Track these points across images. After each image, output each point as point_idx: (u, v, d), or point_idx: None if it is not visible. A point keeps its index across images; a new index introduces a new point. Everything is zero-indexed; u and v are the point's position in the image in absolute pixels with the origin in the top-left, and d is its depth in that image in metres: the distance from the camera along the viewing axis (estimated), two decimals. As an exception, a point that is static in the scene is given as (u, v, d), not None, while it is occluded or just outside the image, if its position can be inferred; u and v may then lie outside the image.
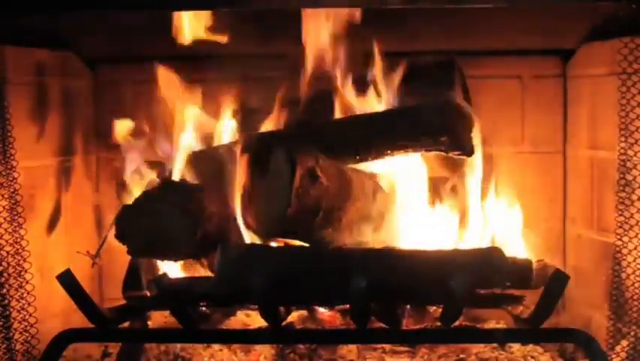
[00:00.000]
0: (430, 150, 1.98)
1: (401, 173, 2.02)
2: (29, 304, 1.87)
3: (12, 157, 1.84)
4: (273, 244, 1.90)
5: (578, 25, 2.12)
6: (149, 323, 2.06)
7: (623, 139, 1.81)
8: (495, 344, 1.99)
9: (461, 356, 1.98)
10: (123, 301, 1.95)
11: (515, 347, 1.99)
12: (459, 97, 1.99)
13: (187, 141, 2.09)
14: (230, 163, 1.92)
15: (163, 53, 2.08)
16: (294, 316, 2.04)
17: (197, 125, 2.11)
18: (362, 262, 1.76)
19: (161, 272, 1.87)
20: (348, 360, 1.96)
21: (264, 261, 1.77)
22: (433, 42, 2.17)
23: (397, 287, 1.75)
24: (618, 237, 1.83)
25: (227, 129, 2.13)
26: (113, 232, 1.87)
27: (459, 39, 2.14)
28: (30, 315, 1.87)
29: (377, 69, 2.05)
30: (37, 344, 1.86)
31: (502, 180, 2.15)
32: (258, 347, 1.97)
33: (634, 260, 1.81)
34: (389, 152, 1.97)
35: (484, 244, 2.04)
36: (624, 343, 1.83)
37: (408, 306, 1.97)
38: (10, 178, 1.84)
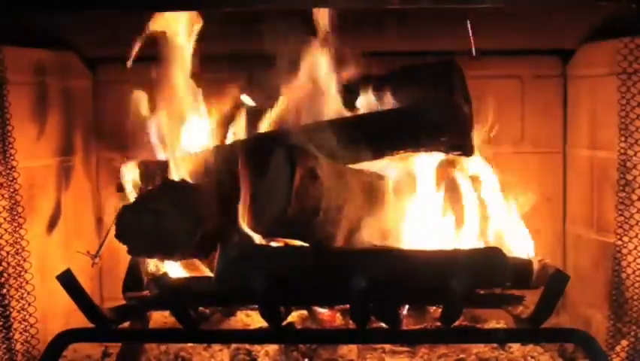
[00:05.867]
0: (430, 150, 1.98)
1: (401, 173, 2.02)
2: (29, 304, 1.87)
3: (12, 157, 1.84)
4: (273, 244, 1.90)
5: (578, 25, 2.12)
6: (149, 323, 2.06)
7: (623, 139, 1.81)
8: (495, 344, 1.99)
9: (461, 356, 1.98)
10: (123, 301, 1.95)
11: (515, 347, 1.99)
12: (459, 97, 1.99)
13: (187, 141, 2.10)
14: (231, 163, 1.92)
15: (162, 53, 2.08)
16: (294, 316, 2.04)
17: (196, 125, 2.12)
18: (362, 262, 1.76)
19: (161, 272, 1.87)
20: (348, 360, 1.96)
21: (264, 261, 1.77)
22: (433, 42, 2.17)
23: (397, 287, 1.75)
24: (618, 237, 1.83)
25: (227, 129, 2.13)
26: (113, 231, 1.86)
27: (459, 39, 2.14)
28: (30, 315, 1.87)
29: (377, 69, 2.05)
30: (37, 344, 1.87)
31: (502, 180, 2.15)
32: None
33: (634, 260, 1.81)
34: (389, 152, 1.97)
35: (483, 244, 2.04)
36: (624, 343, 1.83)
37: (408, 306, 1.97)
38: (10, 178, 1.84)
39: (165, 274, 1.78)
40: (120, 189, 2.04)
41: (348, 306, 1.81)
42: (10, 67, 1.85)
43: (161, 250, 1.85)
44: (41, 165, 2.08)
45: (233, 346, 1.99)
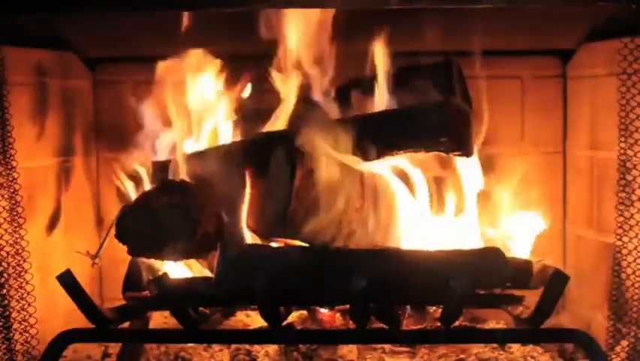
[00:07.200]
0: (430, 150, 1.97)
1: (401, 173, 2.02)
2: (29, 304, 1.87)
3: (12, 157, 1.84)
4: (273, 244, 1.90)
5: (578, 25, 2.12)
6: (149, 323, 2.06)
7: (623, 139, 1.81)
8: (495, 344, 1.99)
9: (461, 356, 1.98)
10: (123, 302, 1.95)
11: (515, 347, 1.99)
12: (459, 97, 1.99)
13: (187, 141, 2.10)
14: (231, 163, 1.92)
15: (163, 53, 2.08)
16: (294, 316, 2.04)
17: (197, 125, 2.12)
18: (362, 262, 1.76)
19: (161, 272, 1.87)
20: (348, 360, 1.96)
21: (264, 261, 1.76)
22: (433, 42, 2.17)
23: (397, 287, 1.75)
24: (618, 237, 1.83)
25: (227, 129, 2.13)
26: (113, 232, 1.86)
27: (459, 39, 2.14)
28: (30, 315, 1.87)
29: (377, 69, 2.05)
30: (38, 344, 1.86)
31: (502, 180, 2.15)
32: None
33: (634, 260, 1.81)
34: (389, 152, 1.97)
35: (483, 244, 2.04)
36: (624, 343, 1.83)
37: (408, 306, 1.97)
38: (10, 178, 1.84)
39: (165, 275, 1.78)
40: (120, 189, 2.04)
41: (348, 306, 1.81)
42: (10, 67, 1.85)
43: (161, 250, 1.85)
44: (41, 165, 2.08)
45: (233, 346, 1.99)
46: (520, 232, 2.03)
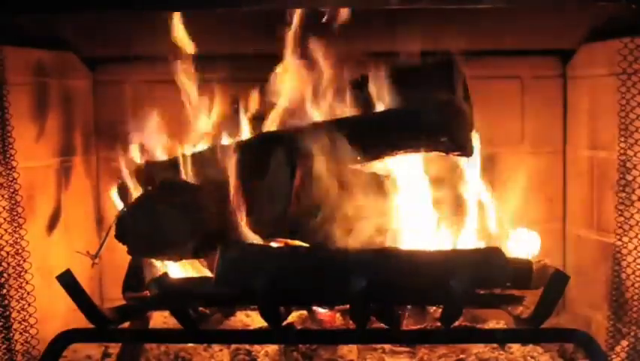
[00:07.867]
0: (430, 151, 1.98)
1: (401, 173, 2.02)
2: (29, 304, 1.87)
3: (12, 157, 1.84)
4: (273, 244, 1.90)
5: (578, 25, 2.12)
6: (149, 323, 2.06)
7: (622, 139, 1.81)
8: (495, 344, 1.99)
9: (461, 356, 1.98)
10: (123, 301, 1.95)
11: (515, 347, 1.99)
12: (459, 97, 1.99)
13: (187, 141, 2.10)
14: (231, 163, 1.92)
15: (162, 53, 2.08)
16: (294, 316, 2.04)
17: (197, 125, 2.12)
18: (362, 262, 1.76)
19: (161, 272, 1.87)
20: (348, 360, 1.96)
21: (264, 261, 1.76)
22: (433, 42, 2.16)
23: (397, 287, 1.75)
24: (618, 237, 1.83)
25: (227, 129, 2.13)
26: (113, 232, 1.86)
27: (459, 39, 2.14)
28: (30, 315, 1.87)
29: (377, 69, 2.05)
30: (37, 344, 1.86)
31: (502, 180, 2.15)
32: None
33: (634, 260, 1.81)
34: (389, 152, 1.97)
35: (483, 244, 2.04)
36: (624, 343, 1.83)
37: (408, 306, 1.97)
38: (10, 178, 1.84)
39: (165, 274, 1.78)
40: (120, 191, 2.04)
41: (348, 306, 1.81)
42: (10, 67, 1.85)
43: (161, 250, 1.85)
44: (41, 165, 2.08)
45: (233, 346, 1.99)
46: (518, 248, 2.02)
